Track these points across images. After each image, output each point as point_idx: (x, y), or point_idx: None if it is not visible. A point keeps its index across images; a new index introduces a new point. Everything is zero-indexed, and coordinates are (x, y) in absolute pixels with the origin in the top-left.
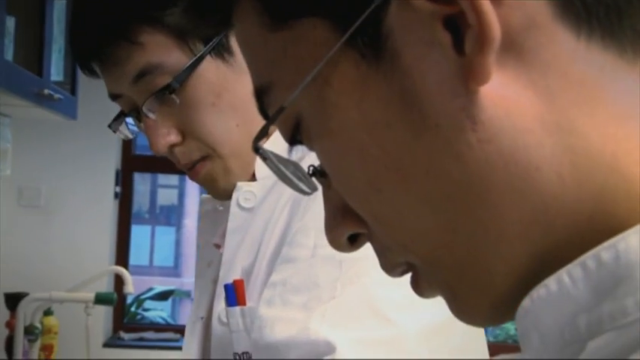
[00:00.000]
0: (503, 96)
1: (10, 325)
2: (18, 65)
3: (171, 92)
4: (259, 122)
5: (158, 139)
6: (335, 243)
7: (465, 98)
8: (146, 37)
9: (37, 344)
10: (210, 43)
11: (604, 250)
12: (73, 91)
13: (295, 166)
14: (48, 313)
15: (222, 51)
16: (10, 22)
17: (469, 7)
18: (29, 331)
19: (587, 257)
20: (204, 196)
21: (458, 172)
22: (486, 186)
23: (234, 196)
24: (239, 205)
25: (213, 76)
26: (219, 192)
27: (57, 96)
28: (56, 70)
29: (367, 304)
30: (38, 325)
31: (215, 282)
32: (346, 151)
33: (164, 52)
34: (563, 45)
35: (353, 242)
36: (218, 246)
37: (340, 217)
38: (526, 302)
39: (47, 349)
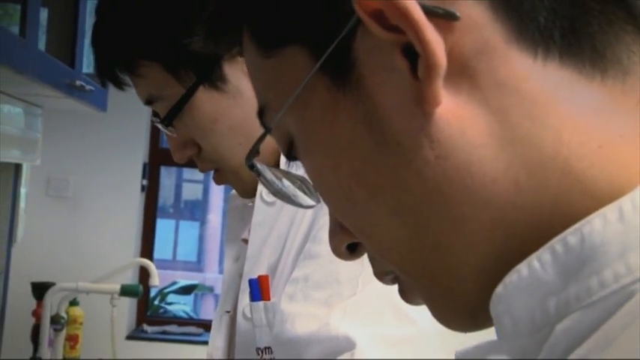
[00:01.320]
0: (459, 116)
1: (37, 314)
2: (50, 56)
3: (168, 125)
4: None
5: (176, 151)
6: (336, 251)
7: (422, 119)
8: (144, 70)
9: (63, 334)
10: (195, 81)
11: (570, 235)
12: (104, 82)
13: (302, 181)
14: (74, 303)
15: (215, 80)
16: (43, 14)
17: (414, 36)
18: (55, 320)
19: (555, 241)
20: (234, 192)
21: (419, 187)
22: (446, 199)
23: (259, 188)
24: (263, 200)
25: (207, 106)
26: (242, 192)
27: (88, 87)
28: (88, 62)
29: (388, 301)
30: (64, 315)
31: (241, 276)
32: (324, 168)
33: (162, 85)
34: (517, 65)
35: (353, 251)
36: (246, 241)
37: (339, 228)
38: (499, 289)
39: (72, 339)
